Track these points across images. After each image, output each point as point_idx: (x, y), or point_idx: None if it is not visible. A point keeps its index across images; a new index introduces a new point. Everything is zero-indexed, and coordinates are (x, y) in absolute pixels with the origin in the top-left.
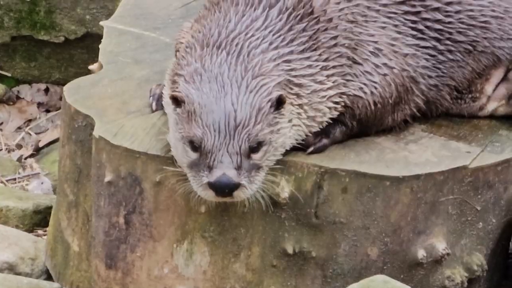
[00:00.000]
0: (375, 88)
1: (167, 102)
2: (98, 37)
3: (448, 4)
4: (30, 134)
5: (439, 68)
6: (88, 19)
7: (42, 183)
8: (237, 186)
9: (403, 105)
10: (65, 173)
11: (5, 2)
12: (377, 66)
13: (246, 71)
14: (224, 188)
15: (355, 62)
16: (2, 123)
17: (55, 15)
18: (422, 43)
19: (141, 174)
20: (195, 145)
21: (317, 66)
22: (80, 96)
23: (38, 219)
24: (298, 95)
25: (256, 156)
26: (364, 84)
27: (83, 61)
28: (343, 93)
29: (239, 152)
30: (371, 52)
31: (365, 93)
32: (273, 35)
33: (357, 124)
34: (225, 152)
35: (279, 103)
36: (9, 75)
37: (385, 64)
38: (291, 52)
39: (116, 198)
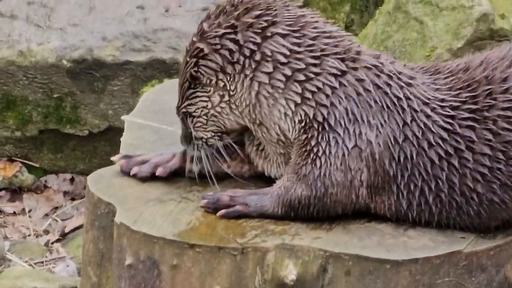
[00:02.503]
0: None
1: None
2: (120, 131)
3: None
4: (57, 221)
5: None
6: (110, 114)
7: (67, 266)
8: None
9: None
10: (88, 256)
11: (34, 98)
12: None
13: None
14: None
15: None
16: (30, 210)
17: (80, 110)
18: None
19: (159, 257)
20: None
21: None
22: (103, 185)
23: None
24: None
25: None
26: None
27: (105, 152)
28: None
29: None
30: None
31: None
32: None
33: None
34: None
35: (193, 78)
36: (37, 165)
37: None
38: None
39: (136, 280)
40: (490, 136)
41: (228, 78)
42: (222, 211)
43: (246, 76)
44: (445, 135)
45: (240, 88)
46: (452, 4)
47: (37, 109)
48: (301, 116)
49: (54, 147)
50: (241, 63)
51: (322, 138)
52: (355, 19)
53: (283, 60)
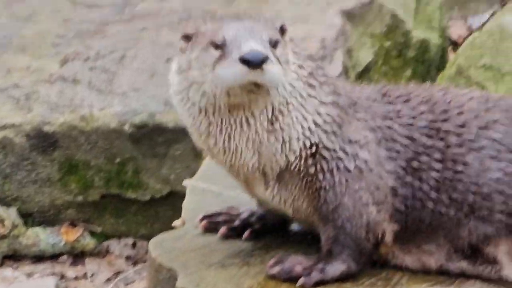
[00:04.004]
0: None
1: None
2: (182, 195)
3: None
4: (119, 286)
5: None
6: (172, 179)
7: None
8: (266, 58)
9: None
10: None
11: (96, 163)
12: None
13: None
14: (256, 58)
15: None
16: (92, 275)
17: (142, 175)
18: None
19: None
20: (217, 44)
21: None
22: (164, 250)
23: None
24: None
25: (276, 52)
26: None
27: (167, 217)
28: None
29: (261, 39)
30: None
31: None
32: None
33: None
34: (249, 38)
35: (282, 30)
36: (99, 230)
37: None
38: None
39: None
40: (442, 144)
41: None
42: (301, 280)
43: None
44: (406, 141)
45: None
46: None
47: (99, 174)
48: None
49: (116, 211)
50: None
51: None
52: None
53: None
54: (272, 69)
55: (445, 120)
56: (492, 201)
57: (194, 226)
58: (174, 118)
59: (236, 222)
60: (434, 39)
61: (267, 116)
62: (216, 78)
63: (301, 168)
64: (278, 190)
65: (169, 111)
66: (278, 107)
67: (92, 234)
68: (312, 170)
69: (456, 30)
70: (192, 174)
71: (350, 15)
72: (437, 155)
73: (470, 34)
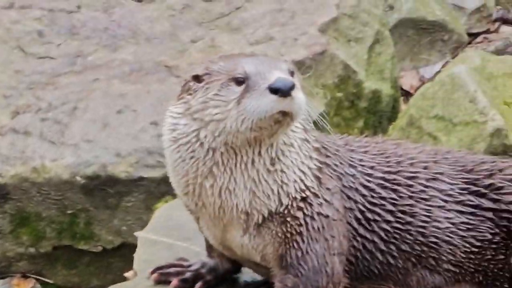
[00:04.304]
0: None
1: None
2: (134, 247)
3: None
4: None
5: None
6: (124, 230)
7: None
8: (294, 85)
9: None
10: None
11: (47, 214)
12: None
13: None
14: (286, 84)
15: None
16: None
17: (94, 226)
18: None
19: None
20: (239, 79)
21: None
22: None
23: None
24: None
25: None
26: None
27: (119, 268)
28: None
29: (282, 69)
30: None
31: None
32: None
33: None
34: (271, 68)
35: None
36: (52, 282)
37: None
38: None
39: None
40: (395, 196)
41: None
42: None
43: None
44: (365, 191)
45: None
46: (466, 120)
47: (51, 225)
48: None
49: (68, 263)
50: None
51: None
52: (369, 135)
53: None
54: (299, 95)
55: (397, 172)
56: (439, 251)
57: (146, 278)
58: (126, 170)
59: (188, 274)
60: (386, 89)
61: (271, 155)
62: (244, 112)
63: (288, 212)
64: (255, 235)
65: (121, 162)
66: (280, 147)
67: (45, 285)
68: (299, 214)
69: (408, 81)
70: (143, 225)
71: (301, 66)
72: (390, 207)
73: (422, 84)
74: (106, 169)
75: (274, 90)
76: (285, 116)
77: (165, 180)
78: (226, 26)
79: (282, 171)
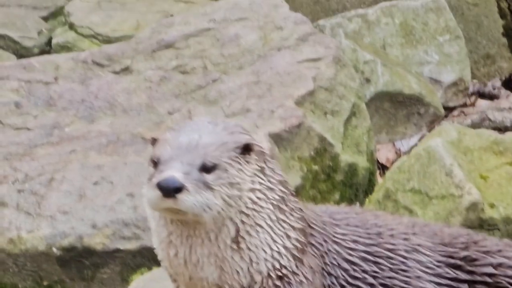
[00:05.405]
0: None
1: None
2: None
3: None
4: None
5: None
6: None
7: None
8: (181, 188)
9: None
10: None
11: (23, 285)
12: None
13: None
14: (169, 186)
15: None
16: None
17: None
18: None
19: None
20: (154, 161)
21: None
22: None
23: None
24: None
25: (208, 177)
26: None
27: None
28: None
29: (191, 163)
30: None
31: None
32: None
33: None
34: (177, 161)
35: (246, 149)
36: None
37: None
38: None
39: None
40: (376, 268)
41: None
42: None
43: None
44: (347, 265)
45: None
46: (442, 193)
47: None
48: None
49: None
50: None
51: None
52: None
53: None
54: (186, 198)
55: (378, 244)
56: None
57: None
58: (102, 241)
59: None
60: (362, 162)
61: (230, 235)
62: (146, 195)
63: None
64: None
65: (97, 234)
66: (244, 228)
67: None
68: None
69: (384, 154)
70: None
71: (278, 139)
72: (371, 280)
73: (398, 157)
74: (82, 240)
75: (159, 188)
76: (184, 212)
77: (140, 252)
78: (203, 98)
79: (249, 249)
